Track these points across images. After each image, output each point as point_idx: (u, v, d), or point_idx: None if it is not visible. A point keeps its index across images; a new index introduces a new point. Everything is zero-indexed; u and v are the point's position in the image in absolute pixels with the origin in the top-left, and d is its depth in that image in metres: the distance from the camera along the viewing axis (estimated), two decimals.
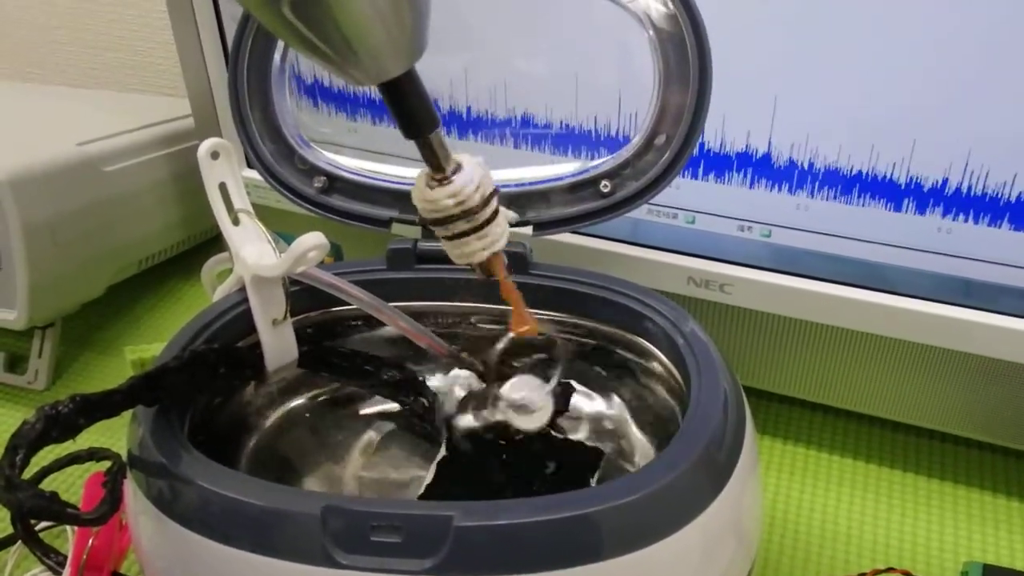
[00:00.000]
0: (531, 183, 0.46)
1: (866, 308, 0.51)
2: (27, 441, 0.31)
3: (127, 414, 0.36)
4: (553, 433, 0.47)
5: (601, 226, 0.46)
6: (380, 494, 0.46)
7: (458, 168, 0.35)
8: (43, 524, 0.51)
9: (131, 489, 0.35)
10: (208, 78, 0.62)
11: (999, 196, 0.46)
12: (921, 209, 0.48)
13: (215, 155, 0.44)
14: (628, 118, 0.51)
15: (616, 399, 0.48)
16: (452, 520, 0.30)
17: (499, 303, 0.47)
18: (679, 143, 0.43)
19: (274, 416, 0.48)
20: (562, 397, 0.48)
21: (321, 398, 0.49)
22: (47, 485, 0.32)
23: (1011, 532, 0.54)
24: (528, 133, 0.53)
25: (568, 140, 0.53)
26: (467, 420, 0.45)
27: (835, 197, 0.49)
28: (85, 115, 0.78)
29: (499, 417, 0.43)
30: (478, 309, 0.47)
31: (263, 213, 0.46)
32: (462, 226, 0.37)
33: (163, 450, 0.34)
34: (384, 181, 0.48)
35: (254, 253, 0.43)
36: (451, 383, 0.49)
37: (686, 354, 0.40)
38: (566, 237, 0.55)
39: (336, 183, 0.49)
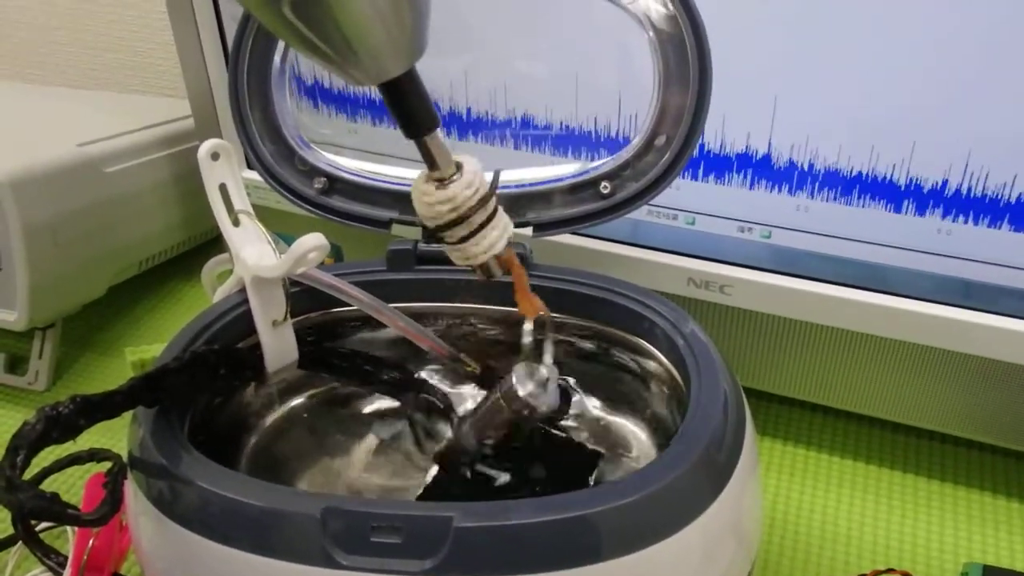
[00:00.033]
0: (531, 184, 0.46)
1: (866, 309, 0.51)
2: (28, 442, 0.31)
3: (128, 415, 0.36)
4: (553, 433, 0.47)
5: (601, 227, 0.46)
6: (380, 495, 0.46)
7: (459, 169, 0.35)
8: (43, 525, 0.51)
9: (131, 490, 0.35)
10: (208, 79, 0.62)
11: (999, 197, 0.46)
12: (921, 210, 0.48)
13: (215, 156, 0.44)
14: (628, 119, 0.51)
15: (616, 400, 0.48)
16: (452, 521, 0.30)
17: (499, 304, 0.47)
18: (679, 144, 0.43)
19: (274, 417, 0.48)
20: (561, 399, 0.48)
21: (321, 399, 0.49)
22: (48, 486, 0.32)
23: (1011, 533, 0.54)
24: (528, 134, 0.53)
25: (568, 141, 0.53)
26: (467, 420, 0.45)
27: (835, 198, 0.49)
28: (85, 116, 0.78)
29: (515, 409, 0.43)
30: (478, 310, 0.47)
31: (263, 214, 0.46)
32: (461, 231, 0.37)
33: (163, 451, 0.34)
34: (384, 182, 0.48)
35: (254, 254, 0.43)
36: (451, 384, 0.49)
37: (686, 355, 0.40)
38: (566, 238, 0.55)
39: (336, 184, 0.49)
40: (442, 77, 0.54)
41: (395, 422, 0.49)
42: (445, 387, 0.49)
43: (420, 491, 0.44)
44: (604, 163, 0.45)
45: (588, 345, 0.47)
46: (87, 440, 0.35)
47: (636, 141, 0.44)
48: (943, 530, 0.54)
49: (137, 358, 0.61)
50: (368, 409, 0.50)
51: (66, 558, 0.46)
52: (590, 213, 0.46)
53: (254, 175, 0.51)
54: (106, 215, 0.68)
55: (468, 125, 0.55)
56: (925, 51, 0.44)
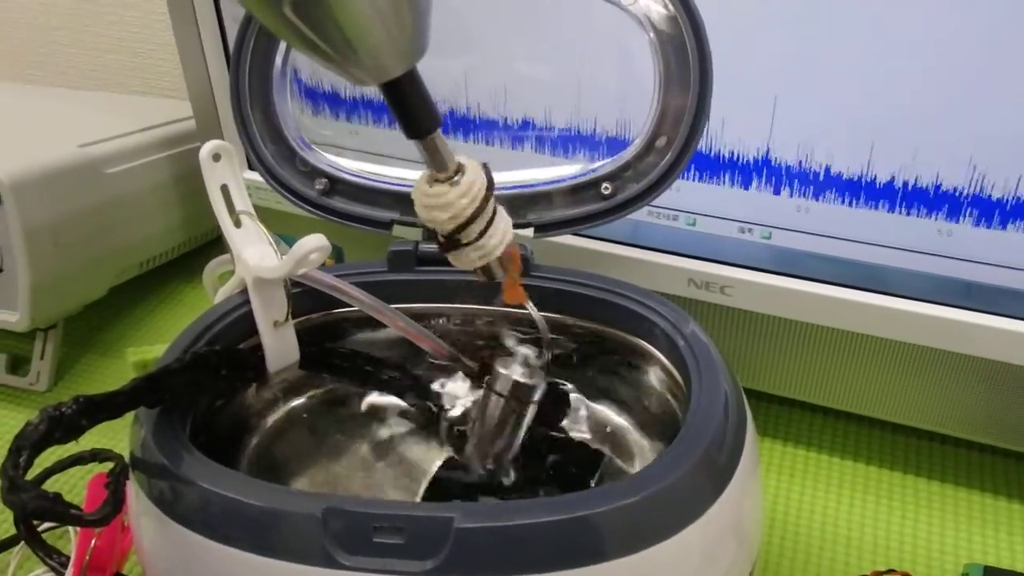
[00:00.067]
0: (532, 185, 0.46)
1: (866, 310, 0.51)
2: (31, 442, 0.31)
3: (129, 415, 0.36)
4: (554, 434, 0.47)
5: (602, 228, 0.46)
6: (381, 495, 0.46)
7: (460, 169, 0.35)
8: (45, 525, 0.51)
9: (133, 490, 0.35)
10: (209, 80, 0.62)
11: (999, 198, 0.46)
12: (921, 211, 0.48)
13: (217, 157, 0.44)
14: (629, 120, 0.51)
15: (616, 401, 0.48)
16: (453, 521, 0.30)
17: (500, 305, 0.47)
18: (680, 145, 0.43)
19: (275, 417, 0.48)
20: (561, 402, 0.49)
21: (322, 399, 0.49)
22: (49, 486, 0.32)
23: (1011, 534, 0.54)
24: (529, 135, 0.54)
25: (569, 142, 0.53)
26: (473, 433, 0.45)
27: (835, 199, 0.49)
28: (86, 117, 0.78)
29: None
30: (479, 311, 0.47)
31: (264, 215, 0.46)
32: (471, 231, 0.37)
33: (165, 451, 0.34)
34: (385, 183, 0.48)
35: (256, 255, 0.43)
36: (452, 384, 0.49)
37: (687, 356, 0.40)
38: (567, 239, 0.55)
39: (337, 185, 0.49)
40: (443, 78, 0.54)
41: (396, 422, 0.49)
42: (446, 387, 0.49)
43: (422, 491, 0.44)
44: (605, 164, 0.45)
45: (589, 346, 0.47)
46: (89, 441, 0.35)
47: (637, 142, 0.44)
48: (943, 531, 0.54)
49: (139, 359, 0.61)
50: (370, 409, 0.50)
51: (68, 558, 0.46)
52: (591, 214, 0.46)
53: (255, 176, 0.51)
54: (107, 216, 0.68)
55: (469, 126, 0.55)
56: (925, 51, 0.44)
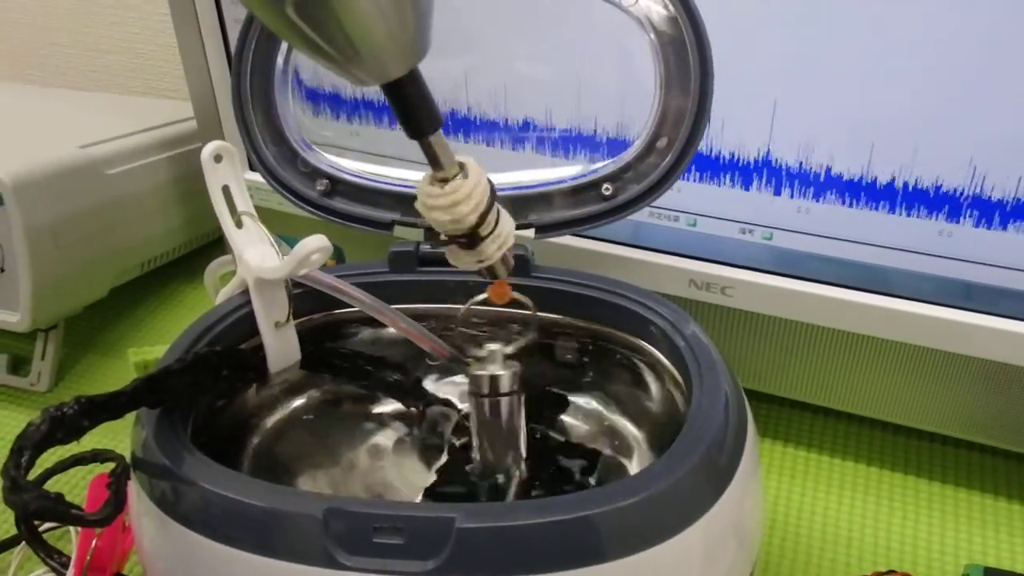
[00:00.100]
0: (533, 186, 0.46)
1: (867, 311, 0.51)
2: (32, 442, 0.31)
3: (130, 416, 0.36)
4: (552, 435, 0.47)
5: (602, 229, 0.46)
6: (382, 495, 0.46)
7: (462, 170, 0.35)
8: (46, 525, 0.51)
9: (134, 490, 0.35)
10: (211, 81, 0.62)
11: (1000, 199, 0.46)
12: (922, 212, 0.48)
13: (218, 158, 0.44)
14: (629, 121, 0.51)
15: (617, 401, 0.48)
16: (454, 522, 0.30)
17: (500, 305, 0.47)
18: (681, 146, 0.43)
19: (277, 418, 0.48)
20: (556, 404, 0.49)
21: (323, 400, 0.49)
22: (50, 486, 0.32)
23: (1012, 535, 0.54)
24: (530, 136, 0.54)
25: (570, 143, 0.53)
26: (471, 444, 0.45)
27: (836, 200, 0.49)
28: (87, 118, 0.78)
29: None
30: (480, 311, 0.47)
31: (266, 216, 0.46)
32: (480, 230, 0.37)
33: (166, 452, 0.34)
34: (386, 184, 0.48)
35: (257, 256, 0.43)
36: (452, 384, 0.49)
37: (687, 356, 0.40)
38: (568, 240, 0.55)
39: (338, 186, 0.49)
40: (444, 79, 0.54)
41: (397, 423, 0.49)
42: (447, 387, 0.49)
43: (423, 492, 0.44)
44: (606, 165, 0.45)
45: (589, 346, 0.47)
46: (90, 441, 0.35)
47: (638, 143, 0.44)
48: (944, 532, 0.54)
49: (140, 359, 0.61)
50: (370, 410, 0.50)
51: (69, 559, 0.46)
52: (592, 215, 0.46)
53: (257, 177, 0.51)
54: (108, 217, 0.69)
55: (470, 127, 0.55)
56: (925, 52, 0.44)
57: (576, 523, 0.31)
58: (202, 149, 0.44)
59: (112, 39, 1.03)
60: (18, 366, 0.69)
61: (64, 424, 0.32)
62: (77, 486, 0.57)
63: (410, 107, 0.33)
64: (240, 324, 0.43)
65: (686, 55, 0.42)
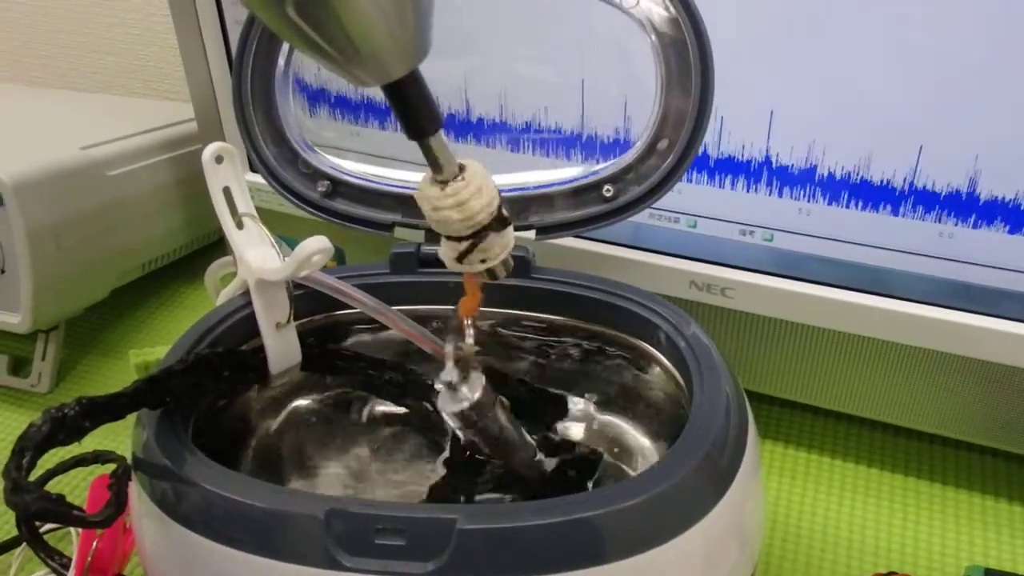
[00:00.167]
0: (534, 187, 0.46)
1: (867, 312, 0.51)
2: (34, 443, 0.31)
3: (132, 417, 0.36)
4: (552, 436, 0.47)
5: (603, 230, 0.46)
6: (384, 496, 0.46)
7: (462, 171, 0.35)
8: (47, 526, 0.51)
9: (135, 491, 0.35)
10: (212, 82, 0.62)
11: (1000, 200, 0.46)
12: (923, 213, 0.48)
13: (219, 159, 0.44)
14: (630, 123, 0.51)
15: (618, 403, 0.48)
16: (456, 523, 0.30)
17: (502, 307, 0.47)
18: (681, 148, 0.43)
19: (278, 419, 0.48)
20: (558, 406, 0.49)
21: (324, 401, 0.49)
22: (51, 487, 0.32)
23: (1013, 536, 0.54)
24: (531, 138, 0.54)
25: (571, 145, 0.53)
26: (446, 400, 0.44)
27: (837, 201, 0.49)
28: (88, 119, 0.78)
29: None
30: (481, 312, 0.47)
31: (267, 217, 0.46)
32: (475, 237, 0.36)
33: (167, 453, 0.34)
34: (387, 185, 0.48)
35: (258, 257, 0.43)
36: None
37: (688, 358, 0.40)
38: (568, 241, 0.55)
39: (339, 187, 0.49)
40: (445, 80, 0.54)
41: (398, 424, 0.49)
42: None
43: (424, 493, 0.44)
44: (607, 167, 0.45)
45: (590, 347, 0.47)
46: (91, 442, 0.35)
47: (638, 145, 0.44)
48: (945, 533, 0.54)
49: (141, 360, 0.61)
50: (371, 411, 0.50)
51: (70, 560, 0.46)
52: (593, 216, 0.46)
53: (257, 178, 0.51)
54: (109, 218, 0.69)
55: (471, 128, 0.55)
56: (928, 54, 0.44)
57: (577, 524, 0.31)
58: (203, 150, 0.44)
59: (113, 40, 1.03)
60: (19, 367, 0.69)
61: (65, 425, 0.32)
62: (78, 487, 0.57)
63: (411, 108, 0.33)
64: (241, 325, 0.43)
65: (687, 57, 0.42)
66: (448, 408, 0.40)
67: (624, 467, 0.46)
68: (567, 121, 0.52)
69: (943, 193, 0.47)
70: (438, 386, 0.41)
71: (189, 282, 0.83)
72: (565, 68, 0.51)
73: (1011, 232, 0.46)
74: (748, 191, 0.51)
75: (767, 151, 0.49)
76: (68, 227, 0.64)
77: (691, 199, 0.53)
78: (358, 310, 0.45)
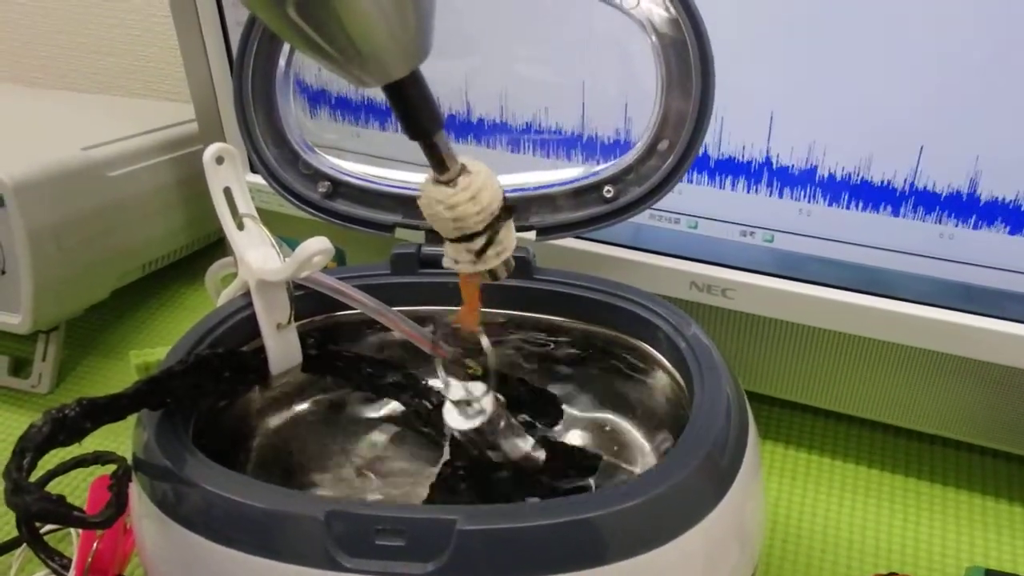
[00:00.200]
0: (534, 188, 0.46)
1: (868, 313, 0.51)
2: (34, 444, 0.31)
3: (132, 418, 0.36)
4: (552, 437, 0.47)
5: (604, 231, 0.46)
6: (384, 497, 0.46)
7: (463, 171, 0.35)
8: (47, 527, 0.51)
9: (136, 492, 0.35)
10: (212, 83, 0.62)
11: (1001, 201, 0.46)
12: (923, 214, 0.48)
13: (220, 160, 0.44)
14: (631, 124, 0.51)
15: (618, 403, 0.48)
16: (455, 524, 0.30)
17: (503, 307, 0.47)
18: (682, 148, 0.43)
19: (278, 420, 0.48)
20: (553, 408, 0.49)
21: (325, 402, 0.49)
22: (52, 488, 0.32)
23: (1013, 537, 0.54)
24: (531, 138, 0.54)
25: (571, 145, 0.53)
26: (454, 416, 0.44)
27: (837, 202, 0.49)
28: (89, 120, 0.79)
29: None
30: (481, 313, 0.47)
31: (267, 217, 0.46)
32: (479, 240, 0.36)
33: (168, 453, 0.34)
34: (388, 186, 0.48)
35: (258, 257, 0.43)
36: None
37: (688, 359, 0.40)
38: (569, 242, 0.55)
39: (340, 188, 0.49)
40: (446, 81, 0.54)
41: (398, 424, 0.49)
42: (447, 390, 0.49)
43: (424, 494, 0.44)
44: (607, 167, 0.45)
45: (590, 349, 0.47)
46: (91, 443, 0.35)
47: (639, 146, 0.44)
48: (945, 534, 0.54)
49: (141, 361, 0.61)
50: (372, 412, 0.50)
51: (70, 561, 0.46)
52: (593, 217, 0.46)
53: (258, 179, 0.51)
54: (110, 219, 0.69)
55: (471, 129, 0.55)
56: (929, 55, 0.44)
57: (577, 525, 0.31)
58: (204, 151, 0.44)
59: (114, 41, 1.03)
60: (19, 368, 0.69)
61: (66, 426, 0.32)
62: (78, 488, 0.57)
63: (411, 108, 0.33)
64: (241, 326, 0.43)
65: (688, 57, 0.42)
66: (459, 426, 0.41)
67: (624, 467, 0.46)
68: (568, 122, 0.52)
69: (943, 194, 0.47)
70: (447, 405, 0.42)
71: (190, 283, 0.83)
72: (566, 69, 0.51)
73: (1011, 233, 0.46)
74: (748, 192, 0.51)
75: (767, 152, 0.49)
76: (69, 228, 0.64)
77: (692, 200, 0.53)
78: (359, 311, 0.45)
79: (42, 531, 0.47)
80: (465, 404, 0.42)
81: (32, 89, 1.05)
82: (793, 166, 0.49)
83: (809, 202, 0.50)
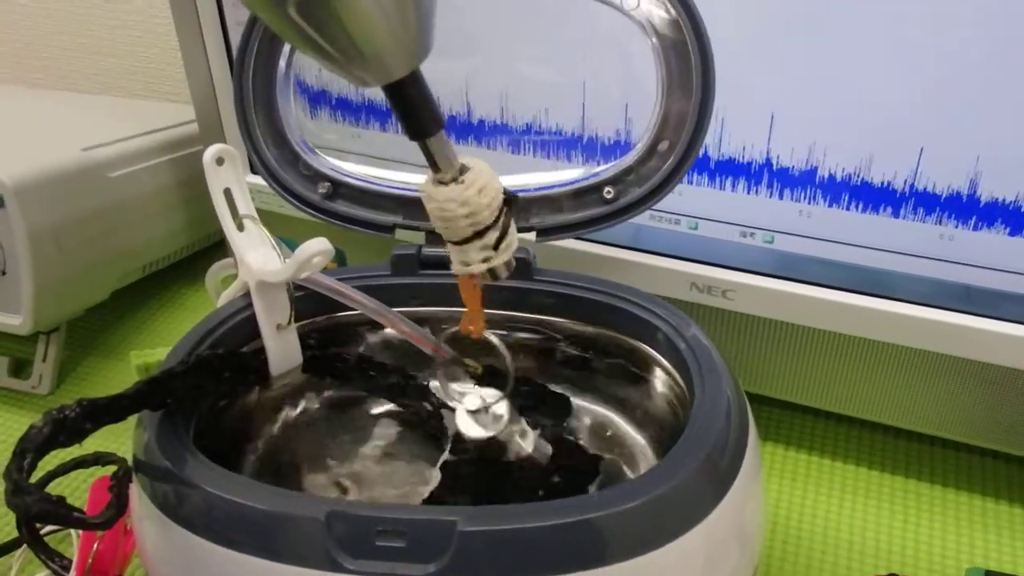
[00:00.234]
0: (535, 189, 0.46)
1: (868, 314, 0.51)
2: (35, 445, 0.31)
3: (132, 419, 0.36)
4: (554, 438, 0.47)
5: (604, 232, 0.46)
6: (385, 498, 0.46)
7: (464, 171, 0.35)
8: (48, 528, 0.51)
9: (136, 493, 0.35)
10: (212, 84, 0.62)
11: (1001, 202, 0.46)
12: (923, 215, 0.48)
13: (220, 161, 0.44)
14: (631, 124, 0.51)
15: (618, 404, 0.48)
16: (456, 525, 0.30)
17: (503, 308, 0.47)
18: (682, 149, 0.43)
19: (278, 421, 0.48)
20: (561, 407, 0.49)
21: (325, 403, 0.49)
22: (52, 489, 0.32)
23: (1013, 538, 0.54)
24: (532, 139, 0.54)
25: (571, 146, 0.53)
26: (470, 425, 0.45)
27: (837, 203, 0.49)
28: (90, 120, 0.79)
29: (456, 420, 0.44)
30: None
31: (267, 218, 0.46)
32: (483, 237, 0.36)
33: (168, 454, 0.34)
34: (388, 187, 0.48)
35: (259, 258, 0.43)
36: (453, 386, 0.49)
37: (689, 360, 0.40)
38: (569, 243, 0.55)
39: (340, 189, 0.49)
40: (446, 81, 0.54)
41: (399, 425, 0.49)
42: (448, 390, 0.49)
43: (425, 495, 0.44)
44: (607, 168, 0.45)
45: (591, 350, 0.47)
46: (91, 444, 0.35)
47: (639, 147, 0.44)
48: (945, 535, 0.54)
49: (142, 362, 0.61)
50: (372, 413, 0.50)
51: (70, 562, 0.46)
52: (593, 218, 0.46)
53: (258, 180, 0.51)
54: (110, 219, 0.69)
55: (472, 130, 0.55)
56: (929, 56, 0.44)
57: (578, 526, 0.31)
58: (204, 152, 0.44)
59: (114, 42, 1.03)
60: (19, 369, 0.69)
61: (66, 427, 0.32)
62: (79, 489, 0.57)
63: (412, 108, 0.33)
64: (242, 327, 0.43)
65: (688, 58, 0.42)
66: (475, 434, 0.41)
67: (624, 468, 0.46)
68: (568, 123, 0.52)
69: (943, 195, 0.47)
70: (461, 413, 0.42)
71: (190, 284, 0.83)
72: (566, 70, 0.51)
73: (1012, 234, 0.46)
74: (749, 193, 0.51)
75: (767, 153, 0.49)
76: (69, 228, 0.64)
77: (692, 201, 0.53)
78: (359, 312, 0.45)
79: (42, 532, 0.48)
80: (482, 412, 0.42)
81: (33, 90, 1.05)
82: (793, 167, 0.49)
83: (809, 203, 0.50)
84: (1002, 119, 0.44)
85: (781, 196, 0.50)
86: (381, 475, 0.47)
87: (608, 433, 0.48)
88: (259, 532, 0.32)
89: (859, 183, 0.48)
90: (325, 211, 0.49)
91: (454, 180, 0.35)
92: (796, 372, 0.58)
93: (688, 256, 0.54)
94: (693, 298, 0.54)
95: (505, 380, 0.43)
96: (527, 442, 0.44)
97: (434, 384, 0.49)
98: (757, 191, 0.51)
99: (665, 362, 0.44)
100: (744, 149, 0.50)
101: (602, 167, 0.46)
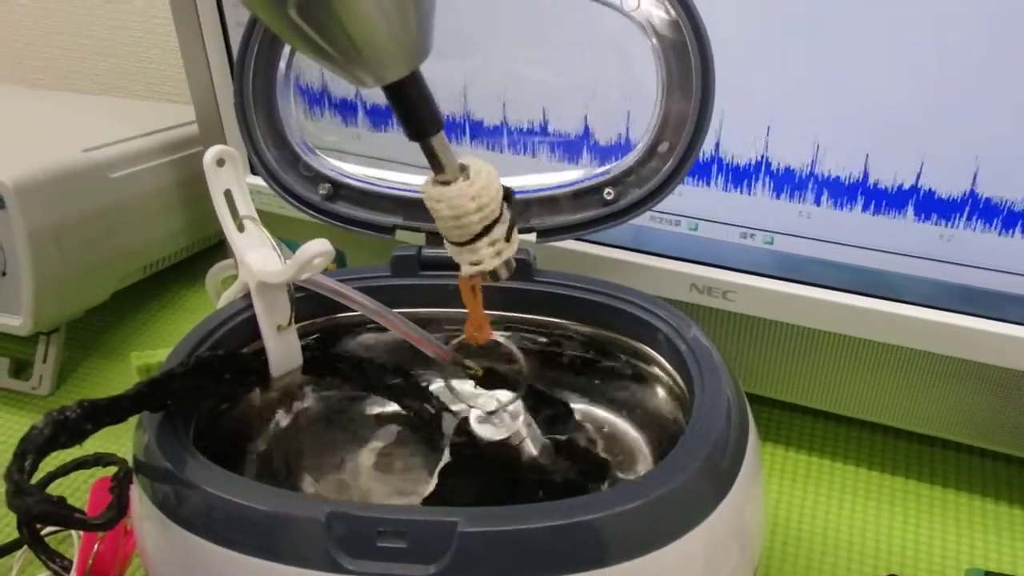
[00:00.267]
0: (535, 190, 0.46)
1: (868, 315, 0.51)
2: (35, 446, 0.31)
3: (133, 420, 0.36)
4: (559, 439, 0.47)
5: (604, 233, 0.46)
6: (385, 499, 0.46)
7: (464, 171, 0.36)
8: (48, 529, 0.51)
9: (137, 494, 0.35)
10: (213, 85, 0.62)
11: (1001, 202, 0.46)
12: (923, 217, 0.48)
13: (220, 162, 0.44)
14: (631, 125, 0.51)
15: (618, 405, 0.48)
16: (457, 526, 0.30)
17: (503, 309, 0.47)
18: (682, 151, 0.43)
19: (279, 422, 0.48)
20: (560, 414, 0.49)
21: (325, 404, 0.49)
22: (53, 490, 0.32)
23: (1013, 539, 0.54)
24: (532, 140, 0.54)
25: (571, 147, 0.53)
26: (486, 427, 0.45)
27: (838, 205, 0.49)
28: (90, 121, 0.79)
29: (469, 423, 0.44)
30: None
31: (268, 219, 0.46)
32: (486, 237, 0.37)
33: (168, 455, 0.34)
34: (388, 188, 0.48)
35: (259, 259, 0.43)
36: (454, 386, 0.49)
37: (689, 361, 0.40)
38: (569, 244, 0.55)
39: (340, 190, 0.49)
40: (446, 83, 0.54)
41: (399, 426, 0.49)
42: (448, 391, 0.49)
43: (425, 496, 0.44)
44: (607, 169, 0.45)
45: (591, 351, 0.47)
46: (92, 445, 0.35)
47: (639, 148, 0.44)
48: (945, 536, 0.54)
49: (142, 363, 0.61)
50: (372, 413, 0.50)
51: (71, 563, 0.46)
52: (594, 219, 0.46)
53: (259, 181, 0.51)
54: (111, 220, 0.69)
55: (472, 131, 0.55)
56: (929, 57, 0.44)
57: (578, 527, 0.31)
58: (204, 153, 0.44)
59: (115, 43, 1.03)
60: (20, 370, 0.69)
61: (67, 428, 0.32)
62: (79, 490, 0.57)
63: (411, 108, 0.33)
64: (242, 328, 0.43)
65: (688, 59, 0.42)
66: (490, 436, 0.41)
67: (624, 469, 0.46)
68: (568, 124, 0.52)
69: (944, 195, 0.47)
70: (475, 415, 0.42)
71: (190, 285, 0.83)
72: (566, 71, 0.51)
73: (1011, 235, 0.46)
74: (749, 194, 0.51)
75: (767, 154, 0.49)
76: (69, 229, 0.64)
77: (692, 202, 0.53)
78: (359, 313, 0.45)
79: (43, 533, 0.48)
80: (498, 413, 0.43)
81: (33, 90, 1.05)
82: (793, 168, 0.49)
83: (809, 204, 0.50)
84: (1002, 120, 0.44)
85: (781, 197, 0.50)
86: (382, 475, 0.47)
87: (608, 434, 0.48)
88: (259, 533, 0.32)
89: (859, 184, 0.48)
90: (325, 212, 0.49)
91: (457, 177, 0.35)
92: (796, 373, 0.58)
93: (688, 257, 0.54)
94: (693, 299, 0.54)
95: (511, 381, 0.43)
96: (533, 444, 0.44)
97: (435, 386, 0.49)
98: (757, 192, 0.51)
99: (665, 363, 0.44)
100: (743, 150, 0.50)
101: (602, 168, 0.46)
